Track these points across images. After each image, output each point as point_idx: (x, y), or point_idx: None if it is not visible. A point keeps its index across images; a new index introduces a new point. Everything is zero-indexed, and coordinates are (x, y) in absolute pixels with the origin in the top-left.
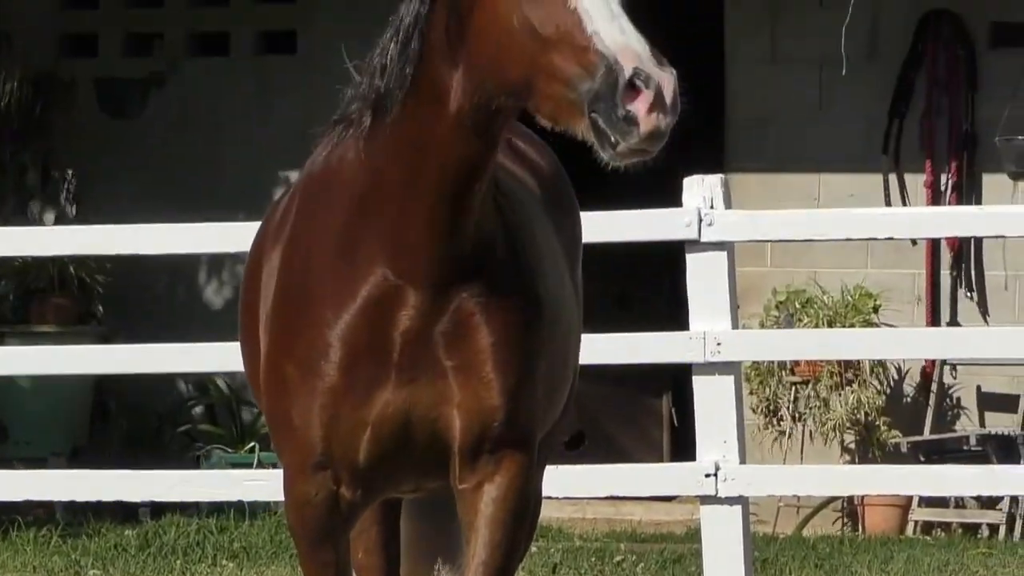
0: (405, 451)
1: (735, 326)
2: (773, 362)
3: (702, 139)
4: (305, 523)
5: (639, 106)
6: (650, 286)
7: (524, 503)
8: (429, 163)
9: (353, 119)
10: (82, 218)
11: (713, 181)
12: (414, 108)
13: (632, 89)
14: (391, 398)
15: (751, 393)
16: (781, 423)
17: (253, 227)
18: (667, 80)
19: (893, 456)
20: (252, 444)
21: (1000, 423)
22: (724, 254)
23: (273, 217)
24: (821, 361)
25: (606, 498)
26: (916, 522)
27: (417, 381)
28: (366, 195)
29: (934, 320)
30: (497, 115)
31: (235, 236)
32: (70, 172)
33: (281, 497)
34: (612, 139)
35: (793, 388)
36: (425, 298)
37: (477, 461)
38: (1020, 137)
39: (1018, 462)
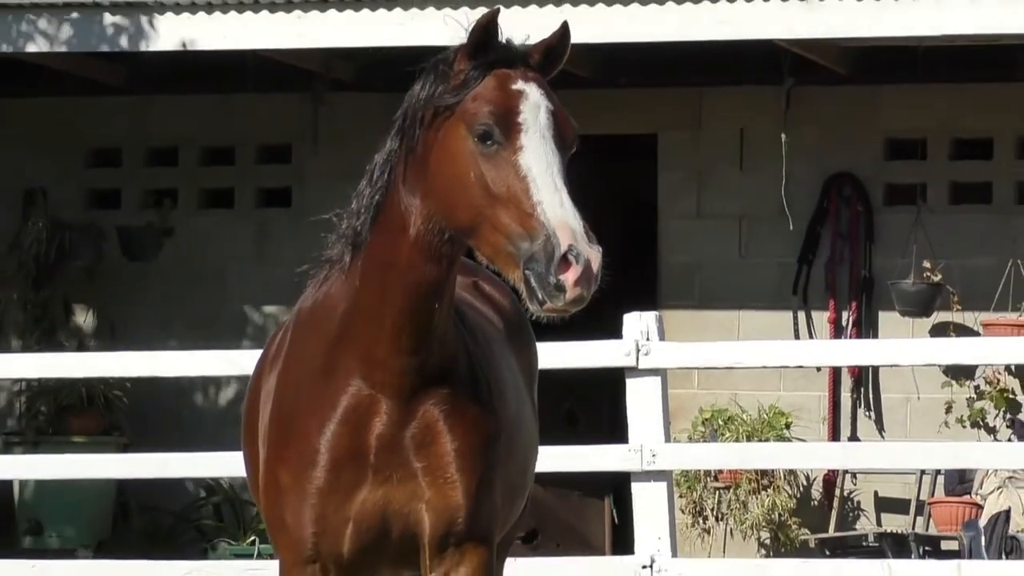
0: (383, 543)
1: (667, 440)
2: (700, 470)
3: (639, 279)
4: None
5: (568, 277)
6: (594, 405)
7: None
8: (395, 284)
9: (334, 258)
10: (106, 346)
11: (649, 317)
12: (383, 234)
13: (565, 262)
14: (369, 496)
15: (680, 496)
16: (706, 522)
17: (252, 354)
18: (595, 257)
19: (802, 551)
20: (253, 538)
21: (894, 523)
22: (658, 379)
23: (270, 348)
24: (741, 470)
25: None
26: None
27: (391, 481)
28: (346, 317)
29: (835, 435)
30: (451, 242)
31: (237, 361)
32: (94, 306)
33: None
34: (540, 297)
35: (717, 492)
36: (396, 406)
37: (444, 553)
38: (909, 281)
39: (910, 557)
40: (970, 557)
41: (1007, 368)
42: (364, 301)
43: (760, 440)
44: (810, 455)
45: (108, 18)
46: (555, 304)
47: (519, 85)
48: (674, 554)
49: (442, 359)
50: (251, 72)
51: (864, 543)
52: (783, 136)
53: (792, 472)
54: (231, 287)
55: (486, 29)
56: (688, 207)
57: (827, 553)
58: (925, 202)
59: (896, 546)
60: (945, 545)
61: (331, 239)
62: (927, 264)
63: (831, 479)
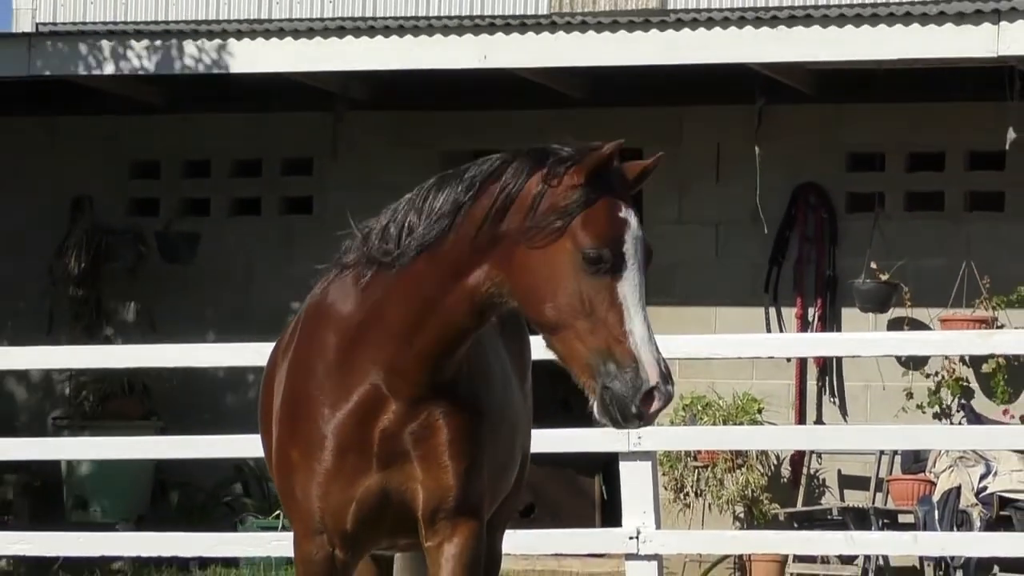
0: (382, 519)
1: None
2: (681, 451)
3: None
4: (320, 572)
5: (648, 410)
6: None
7: (476, 558)
8: (434, 320)
9: (349, 265)
10: (146, 339)
11: None
12: (430, 269)
13: (649, 397)
14: (371, 481)
15: (663, 474)
16: (687, 498)
17: None
18: (672, 393)
19: (773, 524)
20: (278, 512)
21: (856, 499)
22: None
23: (283, 338)
24: (718, 450)
25: (551, 555)
26: (792, 574)
27: (391, 467)
28: (370, 326)
29: (802, 419)
30: (503, 306)
31: (264, 353)
32: (135, 303)
33: None
34: (614, 416)
35: (696, 471)
36: (404, 407)
37: (437, 525)
38: (870, 281)
39: (870, 529)
40: (925, 529)
41: (961, 359)
42: (395, 319)
43: (735, 424)
44: (780, 437)
45: (146, 43)
46: (628, 426)
47: (624, 214)
48: (658, 526)
49: (455, 370)
50: (278, 92)
51: (829, 516)
52: (757, 149)
53: (764, 453)
54: (258, 286)
55: (610, 159)
56: (670, 214)
57: (795, 525)
58: (883, 209)
59: (858, 519)
60: (902, 518)
61: (350, 246)
62: (874, 265)
63: (799, 459)
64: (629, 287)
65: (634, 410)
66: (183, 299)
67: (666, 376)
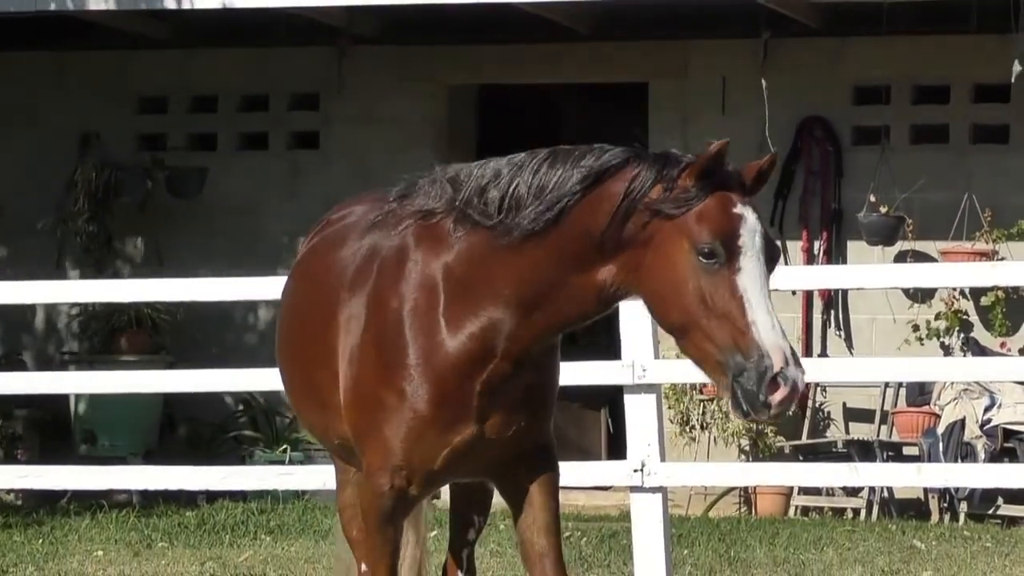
0: (469, 462)
1: (657, 356)
2: (686, 384)
3: None
4: (378, 509)
5: (776, 397)
6: (592, 326)
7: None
8: (556, 305)
9: (436, 213)
10: (154, 273)
11: None
12: (551, 261)
13: (774, 383)
14: (469, 429)
15: (669, 408)
16: (692, 431)
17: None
18: (800, 378)
19: (778, 456)
20: (284, 446)
21: (860, 431)
22: None
23: (337, 274)
24: None
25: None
26: (796, 506)
27: (489, 417)
28: (470, 286)
29: (808, 352)
30: (626, 296)
31: (271, 287)
32: (144, 238)
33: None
34: (745, 409)
35: (701, 404)
36: (508, 367)
37: (528, 464)
38: (875, 214)
39: (874, 461)
40: (929, 461)
41: (961, 292)
42: (509, 292)
43: None
44: None
45: None
46: (759, 417)
47: (739, 209)
48: (662, 459)
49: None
50: (283, 27)
51: (834, 449)
52: (763, 82)
53: None
54: (265, 221)
55: (718, 157)
56: (675, 147)
57: (800, 458)
58: (888, 142)
59: (862, 451)
60: (907, 451)
61: (430, 191)
62: (873, 198)
63: (804, 392)
64: (748, 278)
65: (761, 399)
66: (191, 234)
67: (792, 361)
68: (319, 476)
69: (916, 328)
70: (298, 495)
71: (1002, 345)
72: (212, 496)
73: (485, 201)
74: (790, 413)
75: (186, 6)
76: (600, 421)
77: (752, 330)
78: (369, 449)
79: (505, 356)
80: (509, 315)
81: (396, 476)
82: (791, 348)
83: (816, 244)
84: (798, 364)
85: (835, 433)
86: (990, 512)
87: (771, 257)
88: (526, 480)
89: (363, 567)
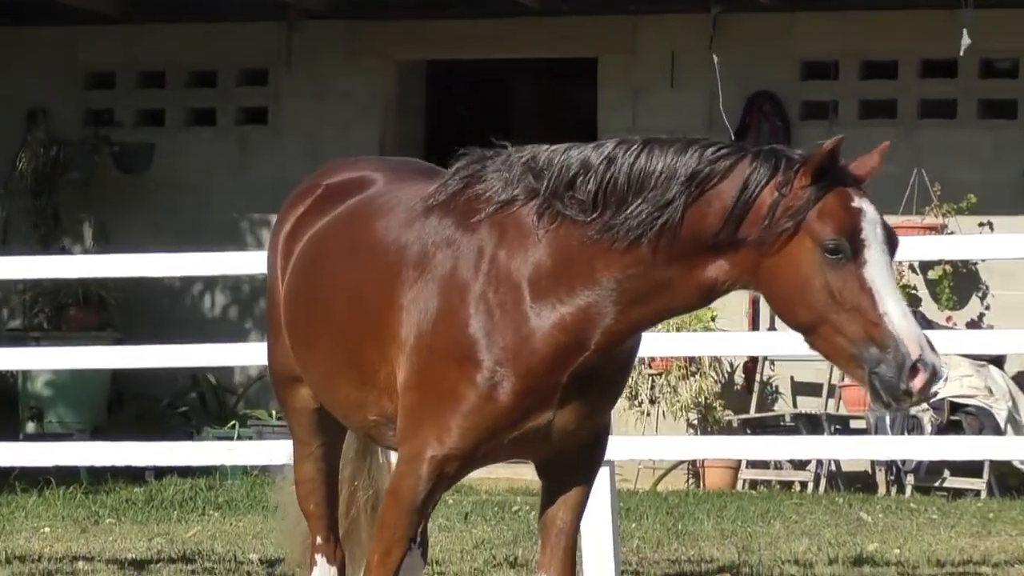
0: (531, 449)
1: None
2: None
3: None
4: (415, 494)
5: (916, 384)
6: None
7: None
8: (659, 300)
9: (516, 201)
10: (101, 249)
11: None
12: (657, 259)
13: (914, 371)
14: (544, 416)
15: None
16: (641, 405)
17: (235, 256)
18: (939, 363)
19: (726, 430)
20: (233, 422)
21: (808, 405)
22: None
23: (391, 246)
24: (672, 357)
25: (506, 462)
26: (744, 480)
27: (563, 407)
28: (565, 277)
29: (755, 326)
30: (733, 290)
31: (219, 263)
32: (90, 214)
33: (256, 462)
34: (886, 400)
35: (650, 378)
36: (593, 360)
37: (587, 441)
38: None
39: (822, 434)
40: (876, 434)
41: (910, 266)
42: (611, 286)
43: (689, 331)
44: (733, 344)
45: None
46: (900, 406)
47: (858, 203)
48: (611, 433)
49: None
50: (231, 3)
51: (781, 423)
52: (715, 57)
53: (717, 360)
54: (214, 197)
55: (832, 155)
56: (624, 122)
57: (748, 431)
58: (837, 117)
59: (810, 425)
60: (854, 424)
61: (507, 176)
62: None
63: (752, 366)
64: (876, 270)
65: (903, 387)
66: (139, 210)
67: (928, 347)
68: (267, 452)
69: None
70: (246, 471)
71: (948, 319)
72: (160, 472)
73: (575, 193)
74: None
75: None
76: None
77: (885, 321)
78: (424, 432)
79: (597, 349)
80: (609, 310)
81: (448, 463)
82: (925, 335)
83: None
84: (934, 350)
85: (783, 407)
86: (936, 484)
87: (892, 246)
88: (575, 459)
89: (313, 548)
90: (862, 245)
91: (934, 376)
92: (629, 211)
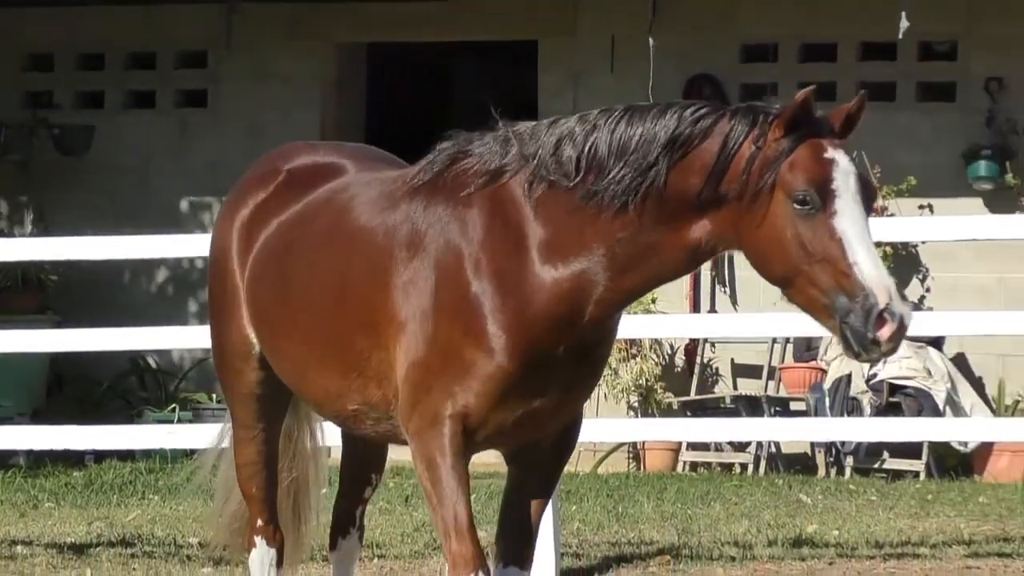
0: (531, 429)
1: None
2: None
3: None
4: (447, 450)
5: (884, 333)
6: None
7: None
8: (648, 265)
9: (505, 172)
10: (40, 232)
11: None
12: (643, 222)
13: (881, 319)
14: (549, 395)
15: None
16: None
17: (174, 239)
18: (907, 313)
19: (667, 412)
20: (173, 406)
21: (749, 387)
22: None
23: (377, 229)
24: None
25: None
26: (685, 462)
27: (559, 386)
28: (559, 247)
29: (696, 308)
30: (716, 254)
31: (159, 247)
32: (29, 197)
33: (197, 446)
34: (856, 350)
35: None
36: (590, 328)
37: (563, 429)
38: None
39: (762, 416)
40: (816, 416)
41: None
42: (601, 253)
43: (629, 314)
44: (674, 326)
45: None
46: (870, 356)
47: (830, 154)
48: None
49: None
50: None
51: (722, 405)
52: (651, 41)
53: (658, 342)
54: (154, 179)
55: (804, 106)
56: (565, 107)
57: (689, 414)
58: (777, 100)
59: (750, 407)
60: (794, 406)
61: (495, 149)
62: None
63: (692, 348)
64: (847, 220)
65: (870, 336)
66: (78, 192)
67: (897, 297)
68: (208, 435)
69: None
70: (186, 454)
71: None
72: (100, 456)
73: (560, 160)
74: (898, 351)
75: None
76: None
77: (855, 270)
78: (434, 398)
79: (591, 319)
80: (600, 278)
81: (466, 420)
82: (895, 285)
83: None
84: (904, 300)
85: (723, 389)
86: (875, 466)
87: (868, 198)
88: (548, 448)
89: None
90: (833, 195)
91: (902, 326)
92: (612, 176)
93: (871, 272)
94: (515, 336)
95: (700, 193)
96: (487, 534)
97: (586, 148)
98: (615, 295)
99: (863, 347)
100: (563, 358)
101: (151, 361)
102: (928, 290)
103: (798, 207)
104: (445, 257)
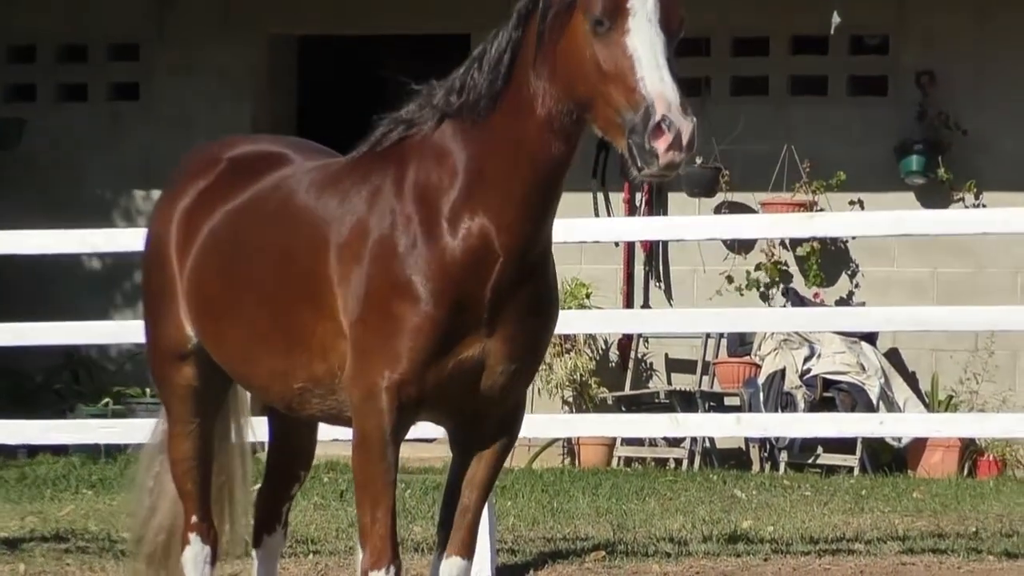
0: (469, 392)
1: None
2: None
3: None
4: (380, 430)
5: (660, 144)
6: None
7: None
8: (524, 159)
9: (417, 121)
10: None
11: None
12: (507, 116)
13: (658, 129)
14: (477, 342)
15: None
16: None
17: (106, 233)
18: (686, 127)
19: (601, 407)
20: (106, 400)
21: (683, 382)
22: None
23: (315, 207)
24: None
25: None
26: (620, 457)
27: (495, 332)
28: (471, 183)
29: (629, 304)
30: (576, 121)
31: (91, 241)
32: None
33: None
34: (639, 164)
35: None
36: (513, 268)
37: (502, 417)
38: (695, 166)
39: (696, 411)
40: (750, 411)
41: (781, 242)
42: (493, 172)
43: (564, 309)
44: (608, 321)
45: None
46: (651, 170)
47: None
48: None
49: (547, 236)
50: None
51: (656, 400)
52: None
53: (592, 337)
54: (87, 173)
55: None
56: None
57: (623, 409)
58: (709, 93)
59: (684, 402)
60: (728, 401)
61: (413, 107)
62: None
63: (626, 343)
64: (639, 39)
65: (648, 147)
66: (9, 185)
67: (677, 110)
68: (141, 430)
69: (731, 279)
70: (120, 449)
71: (815, 296)
72: (33, 450)
73: (451, 92)
74: (681, 172)
75: None
76: None
77: (640, 85)
78: (372, 366)
79: (505, 251)
80: (498, 200)
81: (402, 390)
82: (680, 99)
83: (638, 196)
84: (686, 113)
85: (657, 384)
86: (810, 461)
87: (667, 21)
88: (492, 431)
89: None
90: (626, 14)
91: (679, 138)
92: (475, 80)
93: (656, 86)
94: (435, 280)
95: (536, 54)
96: (422, 529)
97: (469, 74)
98: (513, 215)
99: (644, 160)
100: (491, 303)
101: (85, 355)
102: (858, 285)
103: (596, 28)
104: (372, 217)
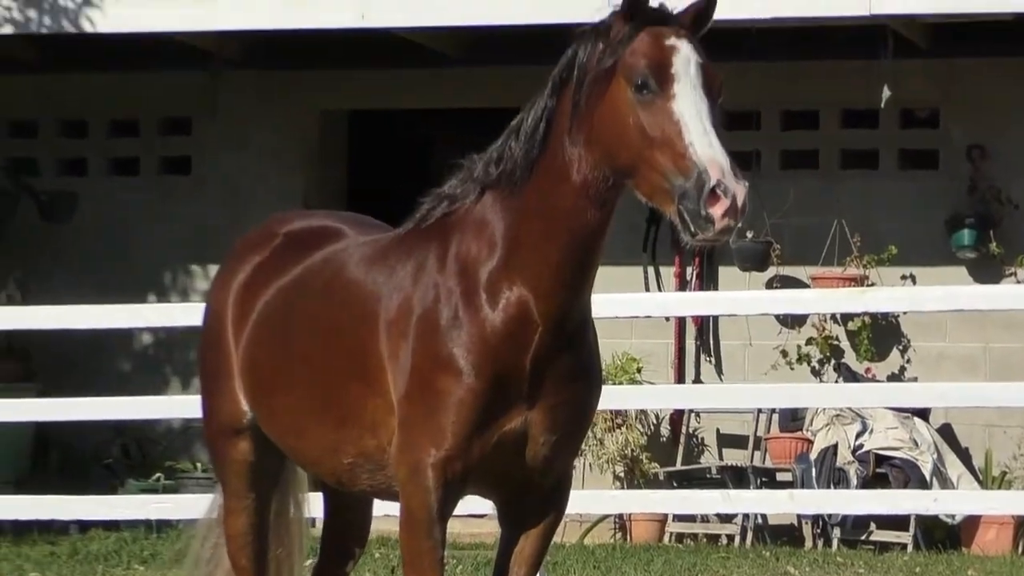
0: (514, 465)
1: None
2: None
3: None
4: (427, 507)
5: (717, 210)
6: None
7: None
8: (558, 225)
9: (459, 196)
10: (26, 300)
11: None
12: (543, 182)
13: (713, 195)
14: (519, 413)
15: None
16: None
17: (157, 307)
18: (740, 191)
19: (653, 483)
20: (158, 475)
21: (734, 457)
22: None
23: (365, 281)
24: (598, 409)
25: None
26: (671, 533)
27: (537, 402)
28: (509, 251)
29: (681, 378)
30: (612, 188)
31: (142, 314)
32: (13, 264)
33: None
34: (692, 230)
35: None
36: (552, 337)
37: (550, 490)
38: (747, 239)
39: (748, 487)
40: (802, 487)
41: (832, 317)
42: (530, 240)
43: (614, 384)
44: (659, 396)
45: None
46: (705, 235)
47: (671, 41)
48: None
49: (585, 303)
50: (153, 52)
51: (708, 475)
52: None
53: (643, 412)
54: (138, 246)
55: None
56: None
57: (675, 484)
58: (759, 167)
59: (736, 478)
60: (780, 477)
61: (455, 182)
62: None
63: (677, 418)
64: (685, 103)
65: (703, 214)
66: (62, 259)
67: (730, 175)
68: (192, 505)
69: (785, 354)
70: (171, 524)
71: (867, 371)
72: (85, 525)
73: (489, 163)
74: (732, 239)
75: (56, 30)
76: None
77: (690, 151)
78: (418, 443)
79: (545, 320)
80: (534, 268)
81: (448, 467)
82: (731, 163)
83: (689, 270)
84: (738, 178)
85: (709, 459)
86: (863, 538)
87: (710, 86)
88: (538, 505)
89: None
90: (671, 80)
91: (735, 204)
92: (512, 150)
93: (705, 151)
94: (476, 353)
95: (572, 120)
96: None
97: (507, 144)
98: (551, 283)
99: (697, 226)
100: (532, 374)
101: (135, 428)
102: (909, 360)
103: (639, 93)
104: (416, 292)
